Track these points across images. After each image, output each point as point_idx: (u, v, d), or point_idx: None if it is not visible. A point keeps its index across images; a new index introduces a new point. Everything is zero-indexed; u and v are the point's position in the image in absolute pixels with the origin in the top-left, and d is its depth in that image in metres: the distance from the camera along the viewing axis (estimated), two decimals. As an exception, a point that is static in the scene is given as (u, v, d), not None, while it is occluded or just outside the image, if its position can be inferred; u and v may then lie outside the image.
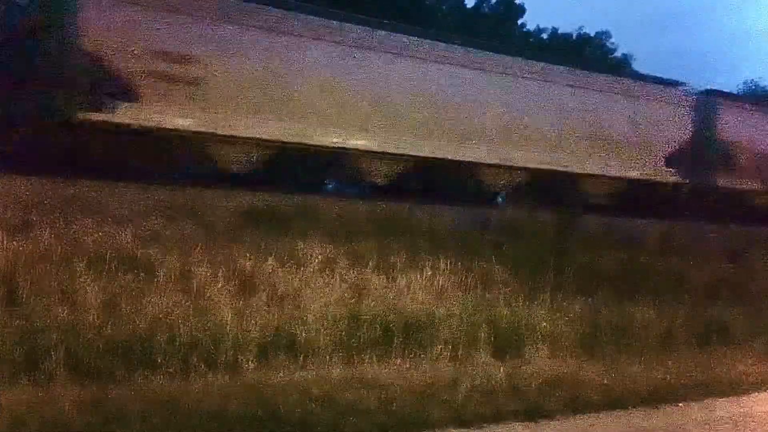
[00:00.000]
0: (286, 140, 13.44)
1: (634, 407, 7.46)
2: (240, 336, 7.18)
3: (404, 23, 16.36)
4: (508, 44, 22.93)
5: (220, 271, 8.42)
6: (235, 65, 12.96)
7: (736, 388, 8.49)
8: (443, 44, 15.79)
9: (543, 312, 9.24)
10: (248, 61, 13.12)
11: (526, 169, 16.37)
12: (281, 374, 7.01)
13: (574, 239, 12.11)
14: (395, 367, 7.62)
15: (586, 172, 17.11)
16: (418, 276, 9.42)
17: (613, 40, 33.00)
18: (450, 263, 9.81)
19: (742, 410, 7.84)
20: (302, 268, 9.01)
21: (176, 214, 10.13)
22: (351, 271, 9.31)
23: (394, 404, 6.44)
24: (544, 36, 32.15)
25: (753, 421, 7.49)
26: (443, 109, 15.10)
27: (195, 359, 6.83)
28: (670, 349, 9.70)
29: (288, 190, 12.50)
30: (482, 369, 7.73)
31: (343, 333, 7.80)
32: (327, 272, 9.10)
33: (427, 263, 9.73)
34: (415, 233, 11.26)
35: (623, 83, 18.65)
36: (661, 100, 18.47)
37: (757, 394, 8.48)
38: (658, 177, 18.26)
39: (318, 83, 13.76)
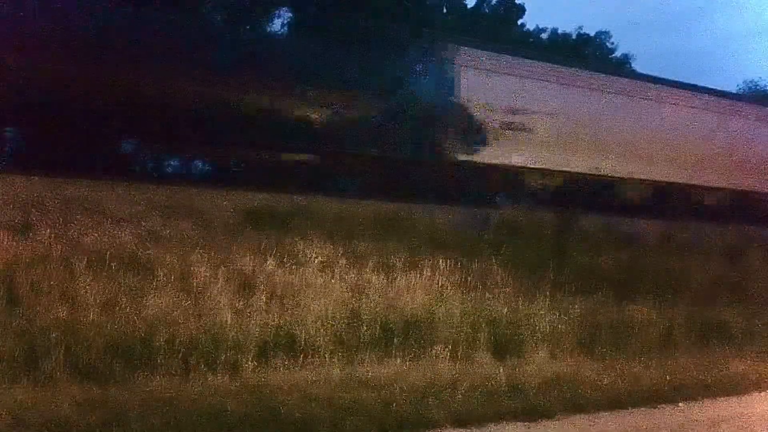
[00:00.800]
0: (587, 172, 16.41)
1: (634, 407, 7.46)
2: (240, 336, 7.18)
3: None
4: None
5: (220, 271, 8.42)
6: (550, 115, 15.94)
7: (736, 388, 8.50)
8: (677, 89, 18.67)
9: (543, 312, 9.25)
10: (561, 112, 16.06)
11: (725, 189, 18.88)
12: (281, 374, 7.01)
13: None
14: (395, 367, 7.61)
15: None
16: (418, 276, 9.42)
17: (613, 40, 32.95)
18: (450, 263, 9.81)
19: (742, 410, 7.84)
20: (302, 268, 9.01)
21: (176, 214, 10.12)
22: (351, 271, 9.31)
23: (394, 404, 6.44)
24: (544, 36, 32.08)
25: (753, 421, 7.49)
26: (678, 144, 17.84)
27: (195, 359, 6.84)
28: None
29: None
30: (482, 369, 7.73)
31: (343, 333, 7.80)
32: (327, 272, 9.10)
33: (426, 263, 9.73)
34: (415, 233, 11.26)
35: None
36: None
37: (757, 393, 8.49)
38: None
39: (613, 129, 16.86)
